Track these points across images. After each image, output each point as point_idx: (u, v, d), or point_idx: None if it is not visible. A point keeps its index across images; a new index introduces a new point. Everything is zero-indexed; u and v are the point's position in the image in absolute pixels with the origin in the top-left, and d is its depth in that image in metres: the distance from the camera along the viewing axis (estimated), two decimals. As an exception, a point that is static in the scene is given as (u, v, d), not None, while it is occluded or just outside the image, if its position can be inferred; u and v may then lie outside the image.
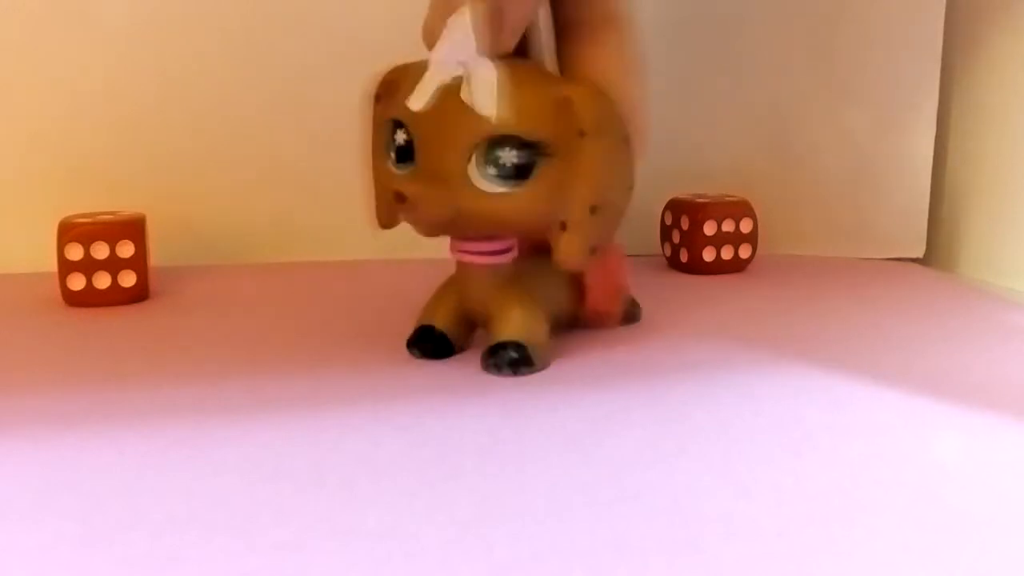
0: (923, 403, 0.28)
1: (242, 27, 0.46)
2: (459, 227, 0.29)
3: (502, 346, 0.30)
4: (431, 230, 0.29)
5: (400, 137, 0.29)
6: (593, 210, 0.28)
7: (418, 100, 0.28)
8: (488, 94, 0.27)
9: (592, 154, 0.28)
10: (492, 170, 0.28)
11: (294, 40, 0.47)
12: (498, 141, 0.27)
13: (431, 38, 0.28)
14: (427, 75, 0.28)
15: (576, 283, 0.33)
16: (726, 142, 0.51)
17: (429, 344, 0.31)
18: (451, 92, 0.28)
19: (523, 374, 0.30)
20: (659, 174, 0.48)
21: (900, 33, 0.50)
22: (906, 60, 0.50)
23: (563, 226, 0.28)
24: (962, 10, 0.49)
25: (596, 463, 0.23)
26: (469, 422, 0.26)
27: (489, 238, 0.30)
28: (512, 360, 0.30)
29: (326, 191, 0.48)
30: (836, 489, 0.22)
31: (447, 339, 0.32)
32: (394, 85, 0.30)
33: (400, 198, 0.27)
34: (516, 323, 0.30)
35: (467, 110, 0.27)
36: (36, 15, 0.44)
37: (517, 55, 0.30)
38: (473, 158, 0.27)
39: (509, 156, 0.27)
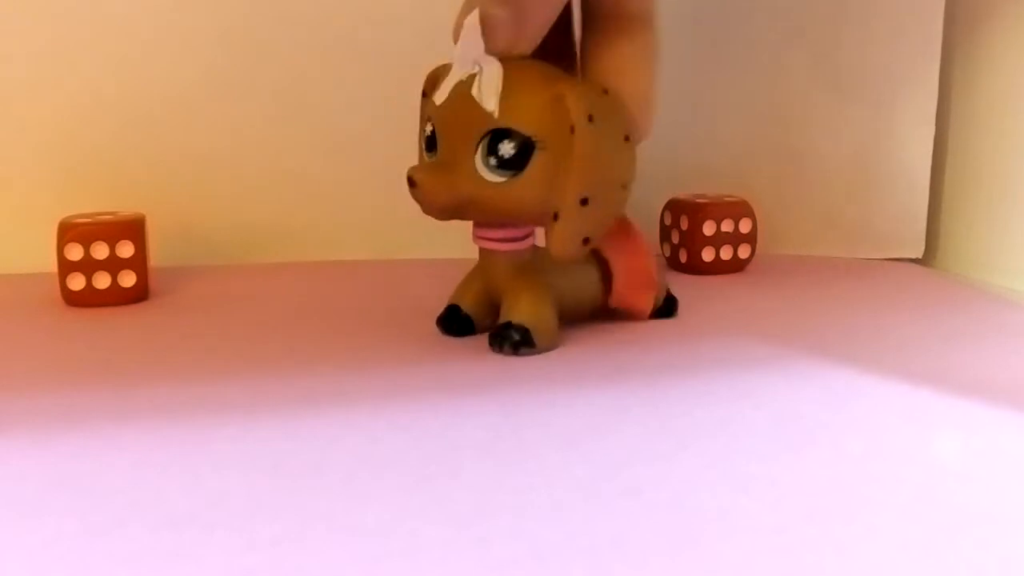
0: (922, 402, 0.28)
1: (242, 28, 0.46)
2: (465, 212, 0.31)
3: (507, 327, 0.32)
4: (437, 214, 0.31)
5: (428, 128, 0.31)
6: (584, 202, 0.30)
7: (441, 95, 0.31)
8: (493, 91, 0.30)
9: (582, 148, 0.30)
10: (493, 160, 0.30)
11: (294, 41, 0.47)
12: (498, 134, 0.30)
13: (455, 39, 0.30)
14: (451, 73, 0.31)
15: (604, 273, 0.35)
16: (726, 142, 0.51)
17: (453, 324, 0.34)
18: (464, 88, 0.30)
19: (523, 354, 0.32)
20: (659, 174, 0.48)
21: (899, 33, 0.50)
22: (905, 60, 0.50)
23: (555, 216, 0.30)
24: (961, 10, 0.49)
25: (595, 460, 0.23)
26: (468, 419, 0.26)
27: (507, 226, 0.32)
28: (514, 341, 0.32)
29: (326, 191, 0.48)
30: (835, 486, 0.22)
31: (469, 319, 0.34)
32: (434, 82, 0.32)
33: (410, 183, 0.30)
34: (523, 306, 0.32)
35: (475, 105, 0.30)
36: (36, 16, 0.44)
37: (559, 52, 0.33)
38: (479, 149, 0.30)
39: (507, 148, 0.30)
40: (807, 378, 0.30)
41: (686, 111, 0.50)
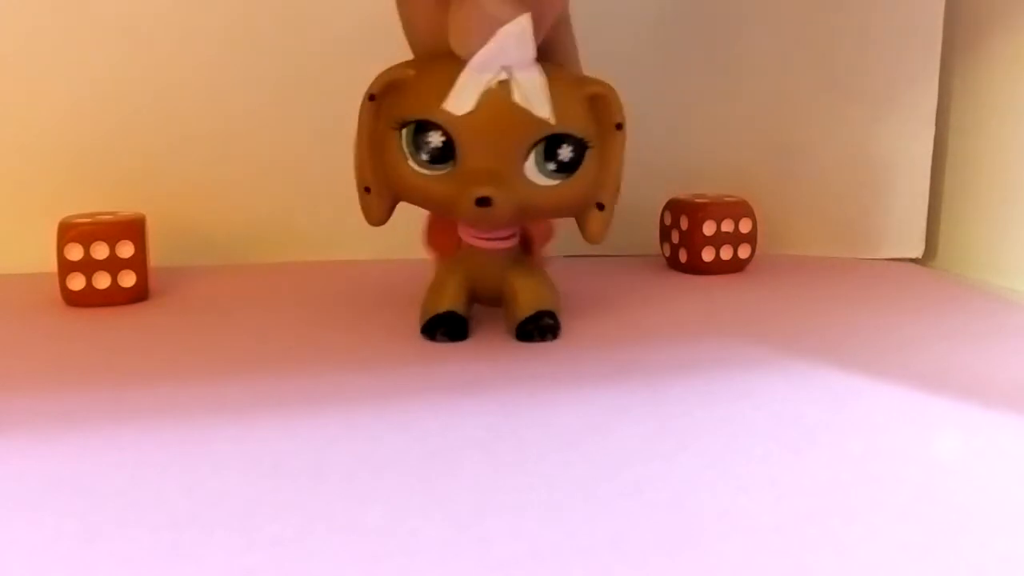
0: (922, 401, 0.28)
1: (242, 27, 0.46)
2: (517, 219, 0.31)
3: (539, 316, 0.33)
4: (499, 227, 0.32)
5: (436, 139, 0.30)
6: (617, 189, 0.32)
7: (460, 104, 0.29)
8: (543, 97, 0.29)
9: (622, 142, 0.32)
10: (552, 165, 0.30)
11: (294, 40, 0.47)
12: (554, 139, 0.30)
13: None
14: (464, 80, 0.29)
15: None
16: (726, 142, 0.51)
17: (450, 326, 0.33)
18: (497, 96, 0.29)
19: (557, 338, 0.34)
20: (659, 174, 0.48)
21: (899, 33, 0.50)
22: (905, 59, 0.50)
23: (600, 206, 0.32)
24: (961, 10, 0.49)
25: (595, 460, 0.23)
26: (468, 419, 0.26)
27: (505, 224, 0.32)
28: (550, 326, 0.33)
29: (326, 191, 0.47)
30: (835, 486, 0.22)
31: (465, 321, 0.34)
32: (397, 85, 0.31)
33: (485, 203, 0.29)
34: (542, 294, 0.34)
35: (519, 112, 0.29)
36: (35, 14, 0.44)
37: None
38: (531, 155, 0.30)
39: (566, 152, 0.30)
40: (807, 378, 0.30)
41: (686, 111, 0.50)
